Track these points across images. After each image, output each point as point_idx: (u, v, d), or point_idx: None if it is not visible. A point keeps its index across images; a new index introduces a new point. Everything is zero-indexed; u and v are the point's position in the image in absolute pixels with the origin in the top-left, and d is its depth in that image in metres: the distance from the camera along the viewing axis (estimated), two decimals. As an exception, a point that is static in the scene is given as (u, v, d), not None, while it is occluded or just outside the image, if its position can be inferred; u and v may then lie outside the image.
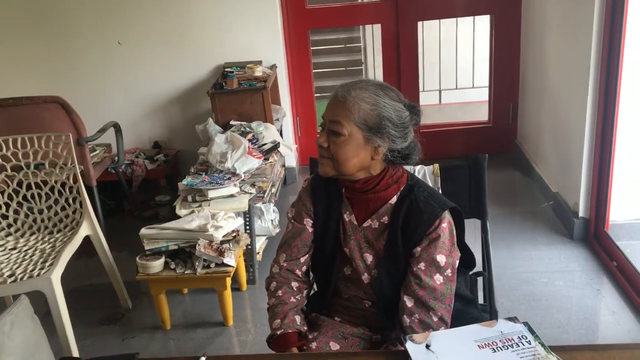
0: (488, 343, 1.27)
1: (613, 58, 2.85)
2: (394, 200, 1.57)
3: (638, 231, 3.13)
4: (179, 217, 2.88)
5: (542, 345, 1.26)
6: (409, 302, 1.52)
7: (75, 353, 2.50)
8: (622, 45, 2.80)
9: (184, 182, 3.06)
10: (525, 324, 1.31)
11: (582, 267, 3.03)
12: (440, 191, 1.85)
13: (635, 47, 2.83)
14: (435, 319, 1.51)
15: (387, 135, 1.49)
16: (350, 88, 1.50)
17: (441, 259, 1.50)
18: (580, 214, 3.22)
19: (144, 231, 2.73)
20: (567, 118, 3.37)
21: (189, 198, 2.98)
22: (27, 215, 2.84)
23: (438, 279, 1.50)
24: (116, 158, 3.68)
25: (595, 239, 3.17)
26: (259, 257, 3.19)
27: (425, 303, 1.50)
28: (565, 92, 3.42)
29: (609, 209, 3.08)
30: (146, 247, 2.69)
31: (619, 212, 3.12)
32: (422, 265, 1.51)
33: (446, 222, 1.52)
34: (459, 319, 1.60)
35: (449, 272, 1.52)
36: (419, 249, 1.52)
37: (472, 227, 1.88)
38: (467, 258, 1.69)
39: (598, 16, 2.86)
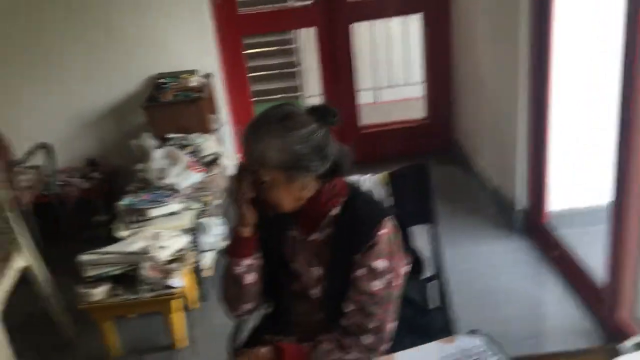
0: (452, 360, 1.27)
1: (543, 45, 2.89)
2: (335, 211, 1.58)
3: (577, 219, 3.19)
4: (118, 237, 2.78)
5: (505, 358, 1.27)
6: (349, 307, 1.53)
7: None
8: (550, 32, 2.83)
9: (124, 202, 2.95)
10: (487, 336, 1.32)
11: (525, 259, 3.10)
12: (391, 199, 1.86)
13: (564, 34, 2.87)
14: (373, 324, 1.51)
15: (307, 168, 1.49)
16: (257, 137, 1.47)
17: (380, 264, 1.51)
18: (518, 206, 3.30)
19: (83, 258, 2.62)
20: (501, 111, 3.43)
21: (130, 219, 2.88)
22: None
23: (376, 285, 1.51)
24: (48, 180, 3.51)
25: (534, 230, 3.26)
26: (211, 272, 3.12)
27: (365, 308, 1.51)
28: (497, 83, 3.47)
29: (546, 199, 3.16)
30: (87, 274, 2.58)
31: (558, 201, 3.18)
32: (360, 272, 1.52)
33: (386, 229, 1.53)
34: (410, 325, 1.62)
35: (389, 276, 1.52)
36: (359, 255, 1.52)
37: (422, 232, 1.89)
38: (415, 262, 1.71)
39: (527, 5, 2.90)
